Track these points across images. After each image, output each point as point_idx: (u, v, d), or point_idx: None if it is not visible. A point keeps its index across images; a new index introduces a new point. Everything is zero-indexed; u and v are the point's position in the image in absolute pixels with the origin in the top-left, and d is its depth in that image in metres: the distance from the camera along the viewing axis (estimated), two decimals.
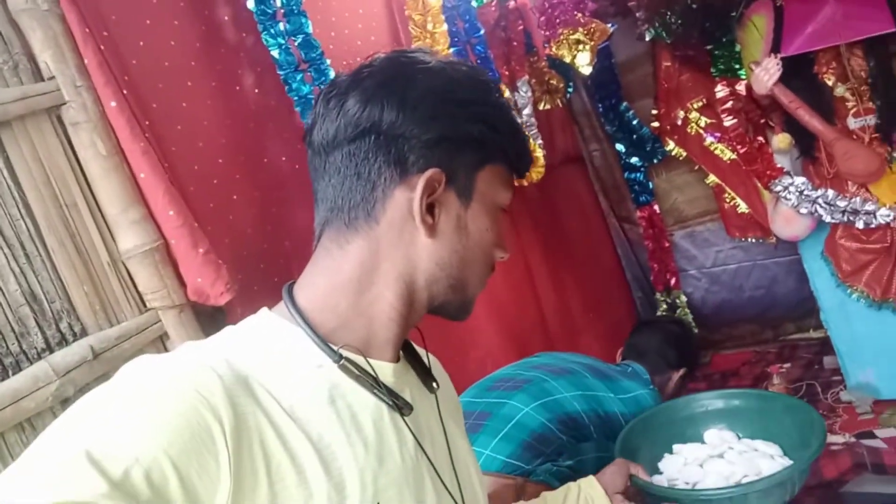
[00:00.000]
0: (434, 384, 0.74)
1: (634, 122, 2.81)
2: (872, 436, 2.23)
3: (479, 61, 1.91)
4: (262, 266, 1.29)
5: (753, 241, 2.71)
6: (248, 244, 1.26)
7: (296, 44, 1.34)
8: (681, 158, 2.72)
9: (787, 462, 1.34)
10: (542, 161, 2.07)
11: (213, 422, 0.52)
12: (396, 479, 0.62)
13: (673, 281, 3.00)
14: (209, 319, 1.11)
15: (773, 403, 1.50)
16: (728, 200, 2.64)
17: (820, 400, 2.54)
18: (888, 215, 2.23)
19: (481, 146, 0.67)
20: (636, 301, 3.17)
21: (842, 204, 2.29)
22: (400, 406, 0.65)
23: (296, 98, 1.35)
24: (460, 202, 0.67)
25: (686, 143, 2.68)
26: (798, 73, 2.32)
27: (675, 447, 1.52)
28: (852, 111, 2.29)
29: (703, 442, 1.51)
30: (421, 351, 0.78)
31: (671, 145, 2.72)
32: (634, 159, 2.86)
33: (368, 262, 0.65)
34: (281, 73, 1.33)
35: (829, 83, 2.31)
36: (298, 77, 1.32)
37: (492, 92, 0.70)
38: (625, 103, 2.82)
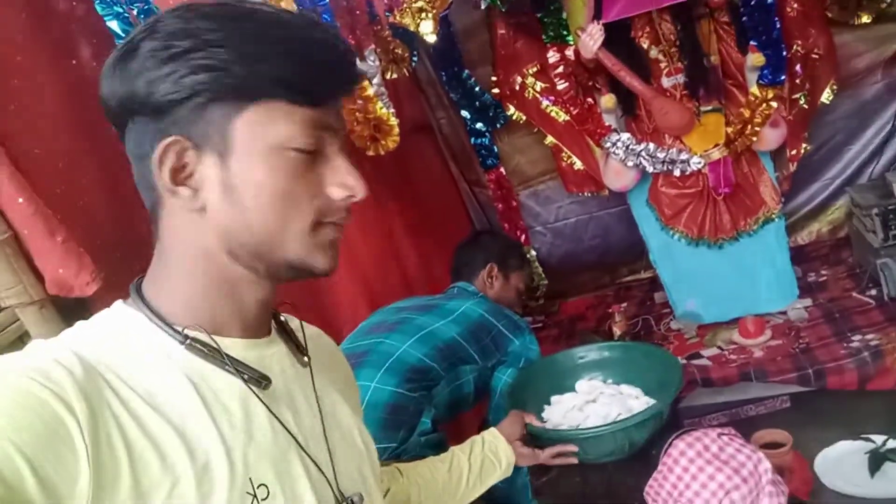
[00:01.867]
0: (305, 358, 0.74)
1: (476, 89, 2.92)
2: (699, 356, 2.57)
3: None
4: (118, 254, 1.21)
5: (588, 195, 2.95)
6: (102, 231, 1.18)
7: (134, 13, 1.25)
8: (521, 122, 2.89)
9: (650, 400, 1.58)
10: (396, 129, 2.10)
11: (67, 415, 0.51)
12: (268, 453, 0.63)
13: (523, 238, 3.19)
14: (72, 314, 1.04)
15: (633, 352, 1.78)
16: (565, 159, 2.85)
17: (654, 331, 2.87)
18: (699, 162, 2.55)
19: (224, 92, 0.58)
20: None
21: (661, 155, 2.57)
22: (251, 379, 0.64)
23: None
24: (220, 161, 0.60)
25: (525, 108, 2.84)
26: (618, 38, 2.54)
27: (553, 398, 1.70)
28: (665, 71, 2.56)
29: (576, 392, 1.70)
30: (303, 326, 0.78)
31: (511, 110, 2.87)
32: (479, 125, 2.98)
33: (176, 246, 0.64)
34: None
35: (645, 46, 2.56)
36: None
37: (234, 18, 0.59)
38: (466, 71, 2.92)
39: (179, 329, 0.62)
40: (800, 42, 2.53)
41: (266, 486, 0.60)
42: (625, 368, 1.74)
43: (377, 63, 2.20)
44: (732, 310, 2.68)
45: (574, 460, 1.45)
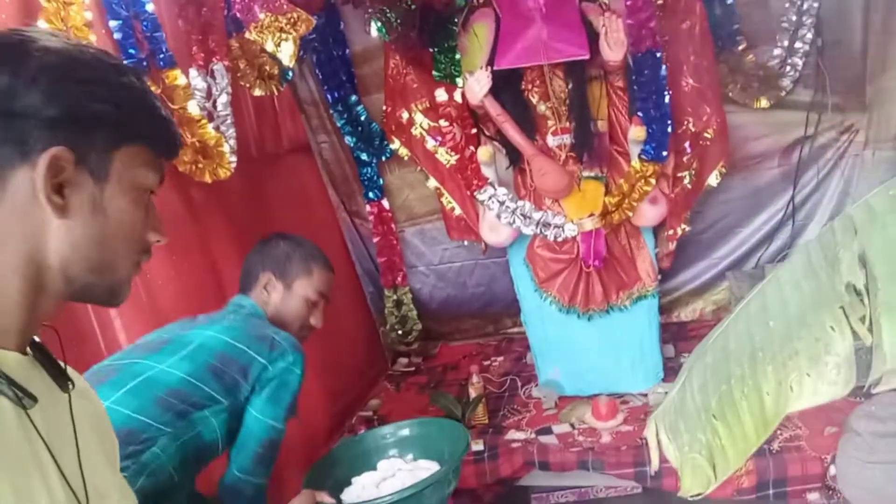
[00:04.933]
0: (70, 384, 0.73)
1: (363, 118, 2.76)
2: (550, 431, 2.43)
3: (147, 40, 1.69)
4: None
5: (467, 243, 2.80)
6: None
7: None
8: (406, 158, 2.73)
9: None
10: (228, 158, 1.91)
11: None
12: (11, 471, 0.60)
13: (399, 277, 3.03)
14: None
15: (431, 427, 1.74)
16: (446, 204, 2.70)
17: (517, 395, 2.73)
18: (573, 230, 2.42)
19: (113, 126, 0.68)
20: (367, 295, 3.17)
21: (536, 216, 2.43)
22: (20, 397, 0.63)
23: None
24: (94, 182, 0.67)
25: (410, 144, 2.69)
26: (507, 87, 2.41)
27: (354, 479, 1.59)
28: (552, 129, 2.43)
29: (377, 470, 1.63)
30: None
31: (397, 144, 2.71)
32: (364, 155, 2.81)
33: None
34: None
35: (534, 101, 2.43)
36: None
37: (121, 74, 0.70)
38: (355, 96, 2.75)
39: None
40: (692, 120, 2.43)
41: None
42: (424, 444, 1.68)
43: (226, 81, 2.01)
44: (593, 385, 2.56)
45: None
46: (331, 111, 2.77)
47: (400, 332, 3.13)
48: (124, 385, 1.31)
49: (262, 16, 1.99)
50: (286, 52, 2.02)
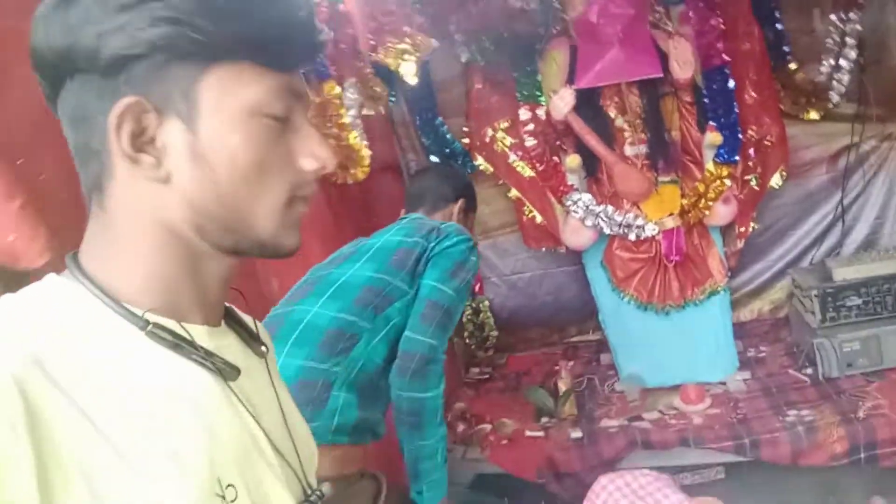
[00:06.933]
0: (263, 348, 0.68)
1: (447, 137, 3.00)
2: (641, 419, 2.60)
3: None
4: (78, 238, 1.18)
5: (544, 250, 3.01)
6: (59, 209, 1.15)
7: None
8: (488, 173, 2.96)
9: None
10: (367, 161, 2.13)
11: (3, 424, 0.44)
12: (233, 451, 0.57)
13: (477, 287, 3.22)
14: (13, 288, 1.01)
15: None
16: (527, 213, 2.92)
17: (598, 391, 2.90)
18: (654, 229, 2.64)
19: (183, 50, 0.52)
20: None
21: (618, 218, 2.66)
22: (222, 370, 0.58)
23: None
24: (185, 127, 0.54)
25: (493, 160, 2.93)
26: (587, 103, 2.67)
27: None
28: (629, 140, 2.69)
29: None
30: (246, 317, 0.71)
31: (480, 160, 2.95)
32: None
33: (130, 219, 0.56)
34: None
35: (612, 115, 2.69)
36: None
37: None
38: (439, 118, 3.00)
39: (139, 313, 0.54)
40: (754, 128, 2.70)
41: (234, 487, 0.55)
42: None
43: (356, 96, 2.24)
44: (675, 376, 2.73)
45: None
46: (419, 131, 3.01)
47: (478, 339, 3.30)
48: (324, 293, 1.51)
49: (389, 40, 2.26)
50: (409, 70, 2.28)
